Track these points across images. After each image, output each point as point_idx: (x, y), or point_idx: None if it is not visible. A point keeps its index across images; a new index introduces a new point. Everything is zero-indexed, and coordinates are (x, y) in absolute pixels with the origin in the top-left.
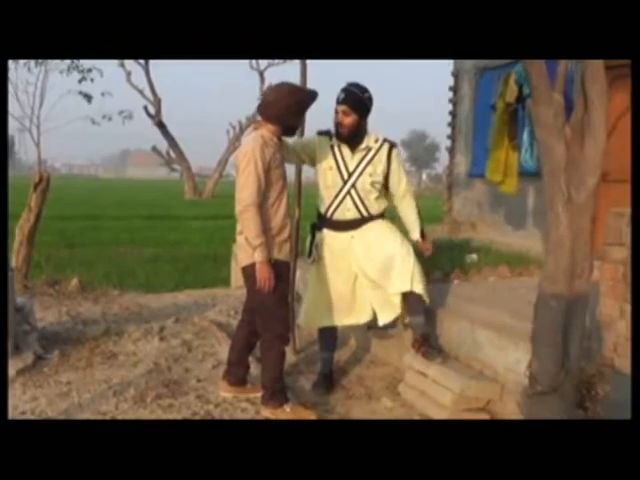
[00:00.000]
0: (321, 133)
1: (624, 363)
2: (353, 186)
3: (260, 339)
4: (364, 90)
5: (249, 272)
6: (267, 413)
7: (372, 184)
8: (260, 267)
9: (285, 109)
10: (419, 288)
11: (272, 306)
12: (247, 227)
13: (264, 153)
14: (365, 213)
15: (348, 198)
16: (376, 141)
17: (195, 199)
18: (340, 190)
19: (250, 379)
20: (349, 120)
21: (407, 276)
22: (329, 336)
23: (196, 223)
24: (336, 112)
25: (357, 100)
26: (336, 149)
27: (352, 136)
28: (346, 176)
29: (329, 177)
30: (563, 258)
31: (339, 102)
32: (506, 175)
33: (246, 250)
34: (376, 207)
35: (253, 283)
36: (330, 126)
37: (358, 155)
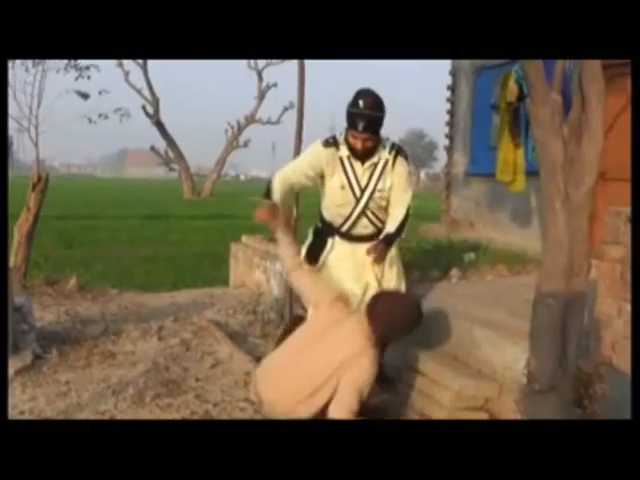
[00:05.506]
0: (328, 144)
1: (622, 362)
2: (366, 205)
3: None
4: (380, 105)
5: None
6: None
7: (381, 198)
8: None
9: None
10: None
11: None
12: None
13: None
14: (381, 225)
15: (363, 217)
16: (390, 151)
17: (193, 199)
18: (353, 209)
19: None
20: (370, 143)
21: None
22: None
23: (194, 223)
24: (354, 137)
25: (378, 124)
26: (346, 163)
27: (369, 153)
28: (358, 194)
29: (339, 196)
30: (561, 257)
31: (359, 131)
32: (515, 174)
33: None
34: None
35: None
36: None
37: (369, 169)
